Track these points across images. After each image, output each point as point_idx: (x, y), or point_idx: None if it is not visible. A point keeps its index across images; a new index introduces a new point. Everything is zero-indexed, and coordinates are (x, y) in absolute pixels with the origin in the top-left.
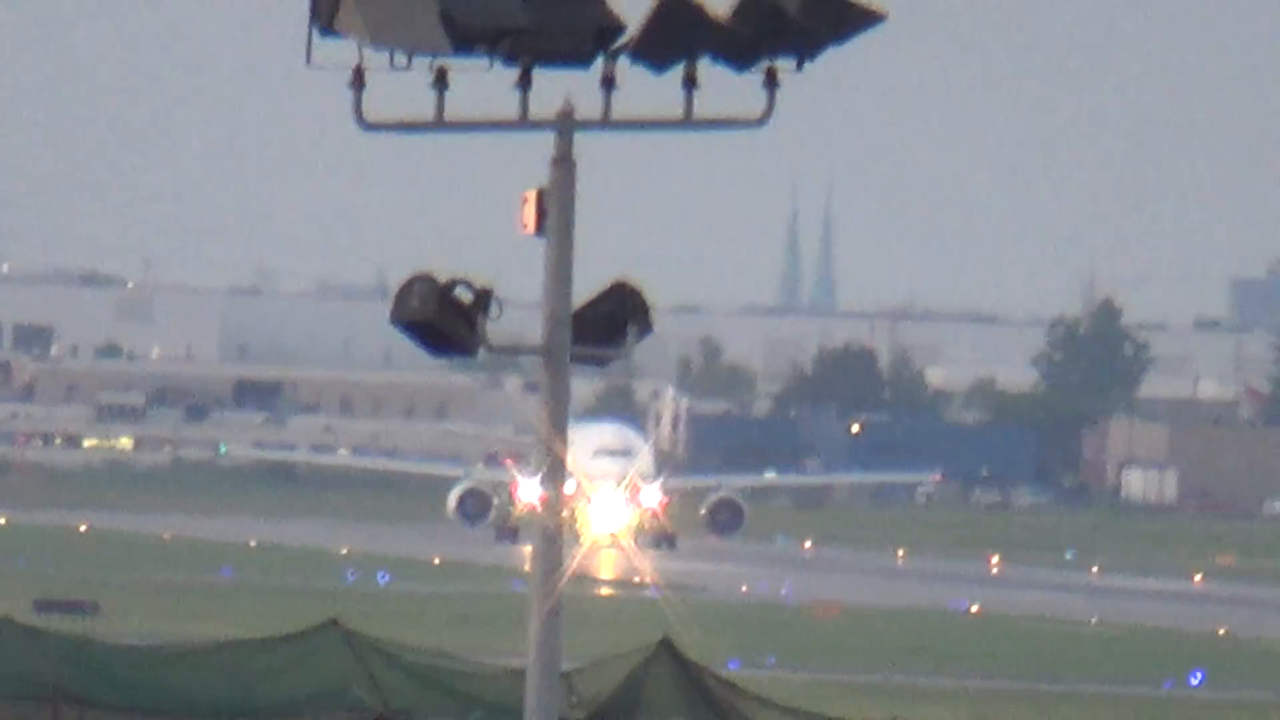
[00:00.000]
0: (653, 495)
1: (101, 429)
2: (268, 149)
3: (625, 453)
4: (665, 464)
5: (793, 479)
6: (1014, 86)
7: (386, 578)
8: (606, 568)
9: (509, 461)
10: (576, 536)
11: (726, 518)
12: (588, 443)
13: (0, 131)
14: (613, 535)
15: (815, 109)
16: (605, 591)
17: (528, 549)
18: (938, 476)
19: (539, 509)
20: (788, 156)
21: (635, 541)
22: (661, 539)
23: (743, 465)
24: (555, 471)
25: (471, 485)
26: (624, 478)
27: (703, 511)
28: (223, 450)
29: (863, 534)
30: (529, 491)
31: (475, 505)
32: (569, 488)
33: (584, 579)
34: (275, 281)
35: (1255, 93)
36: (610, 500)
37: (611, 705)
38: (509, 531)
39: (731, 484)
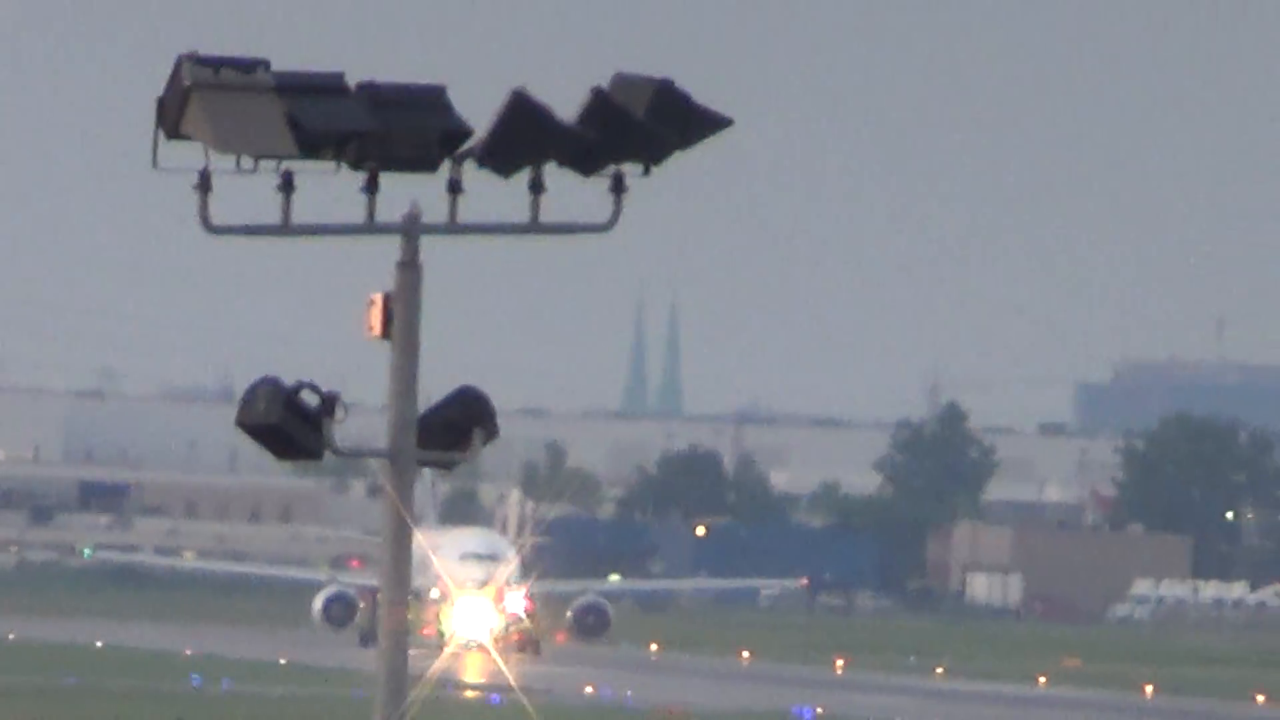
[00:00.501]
0: (517, 600)
1: None
2: (113, 251)
3: (491, 557)
4: (527, 569)
5: (664, 582)
6: (858, 189)
7: (227, 683)
8: (470, 672)
9: (355, 564)
10: (441, 640)
11: (592, 621)
12: (454, 546)
13: None
14: (477, 640)
15: (661, 213)
16: (466, 694)
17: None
18: (803, 581)
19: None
20: (634, 261)
21: (499, 646)
22: (526, 643)
23: (588, 569)
24: (400, 575)
25: (337, 590)
26: (489, 582)
27: (568, 615)
28: (87, 553)
29: (707, 637)
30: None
31: (340, 610)
32: (433, 593)
33: (447, 682)
34: (120, 384)
35: (1098, 195)
36: (475, 604)
37: None
38: (374, 635)
39: (596, 588)
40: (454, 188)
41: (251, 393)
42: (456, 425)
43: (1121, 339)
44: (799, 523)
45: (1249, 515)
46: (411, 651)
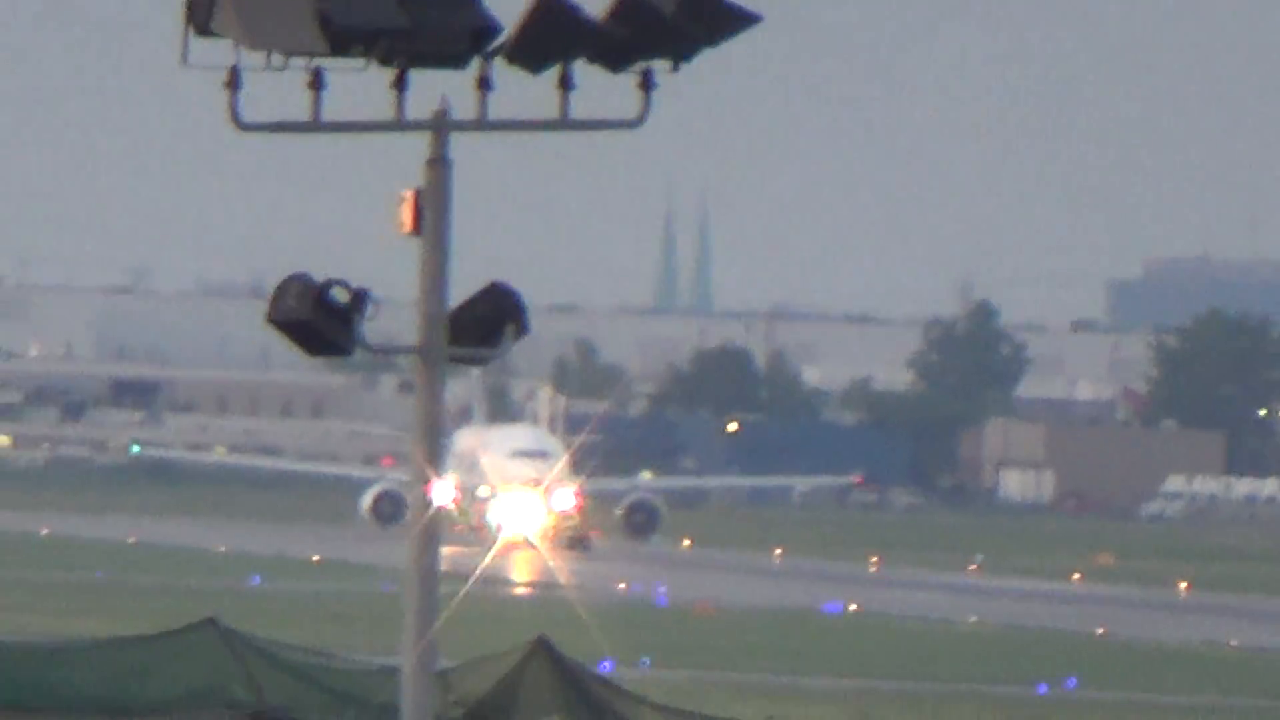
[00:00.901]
0: (567, 497)
1: None
2: (145, 149)
3: (541, 454)
4: (580, 466)
5: (698, 480)
6: (891, 86)
7: (258, 579)
8: (519, 569)
9: (388, 461)
10: (489, 538)
11: (642, 520)
12: (504, 444)
13: None
14: (526, 538)
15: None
16: (502, 591)
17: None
18: (857, 479)
19: (453, 510)
20: (664, 157)
21: (548, 544)
22: (575, 541)
23: (618, 466)
24: (428, 470)
25: (386, 487)
26: (539, 479)
27: (618, 513)
28: (135, 450)
29: (740, 534)
30: (442, 493)
31: (389, 507)
32: (483, 490)
33: (495, 580)
34: (152, 281)
35: (1130, 94)
36: (524, 502)
37: (488, 704)
38: None
39: (648, 486)
40: (483, 84)
41: (282, 289)
42: (487, 321)
43: (1153, 235)
44: (830, 419)
45: None
46: (460, 549)
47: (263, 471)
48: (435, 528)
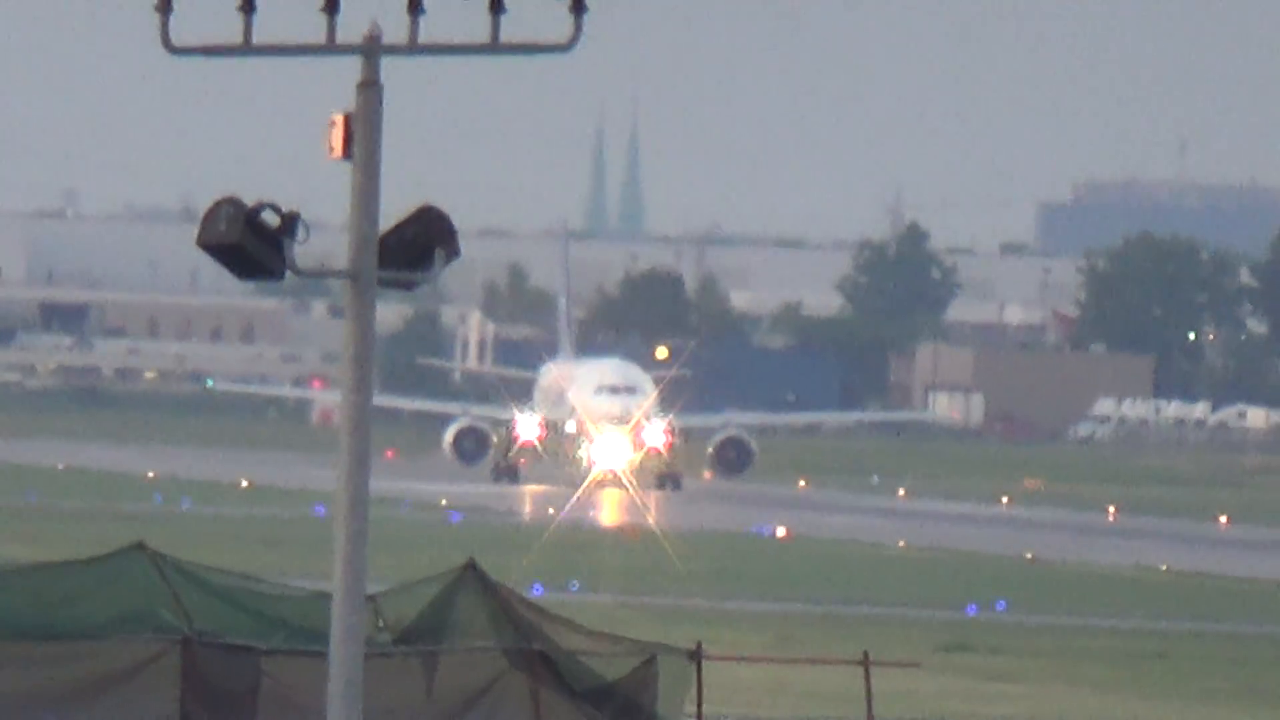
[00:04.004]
0: (656, 433)
1: None
2: (74, 72)
3: (629, 389)
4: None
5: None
6: (821, 8)
7: (187, 503)
8: (608, 507)
9: (318, 384)
10: (579, 475)
11: (734, 456)
12: (591, 379)
13: None
14: (614, 473)
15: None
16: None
17: (526, 488)
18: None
19: (537, 446)
20: (594, 82)
21: (638, 481)
22: (666, 478)
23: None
24: (365, 389)
25: (469, 424)
26: (627, 416)
27: (709, 451)
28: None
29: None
30: (528, 429)
31: (472, 444)
32: (569, 426)
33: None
34: (81, 204)
35: (1059, 17)
36: (613, 438)
37: (418, 627)
38: (508, 470)
39: (738, 422)
40: (414, 8)
41: (213, 212)
42: (417, 244)
43: (1083, 159)
44: (760, 344)
45: (1210, 335)
46: (551, 487)
47: (236, 397)
48: (365, 452)
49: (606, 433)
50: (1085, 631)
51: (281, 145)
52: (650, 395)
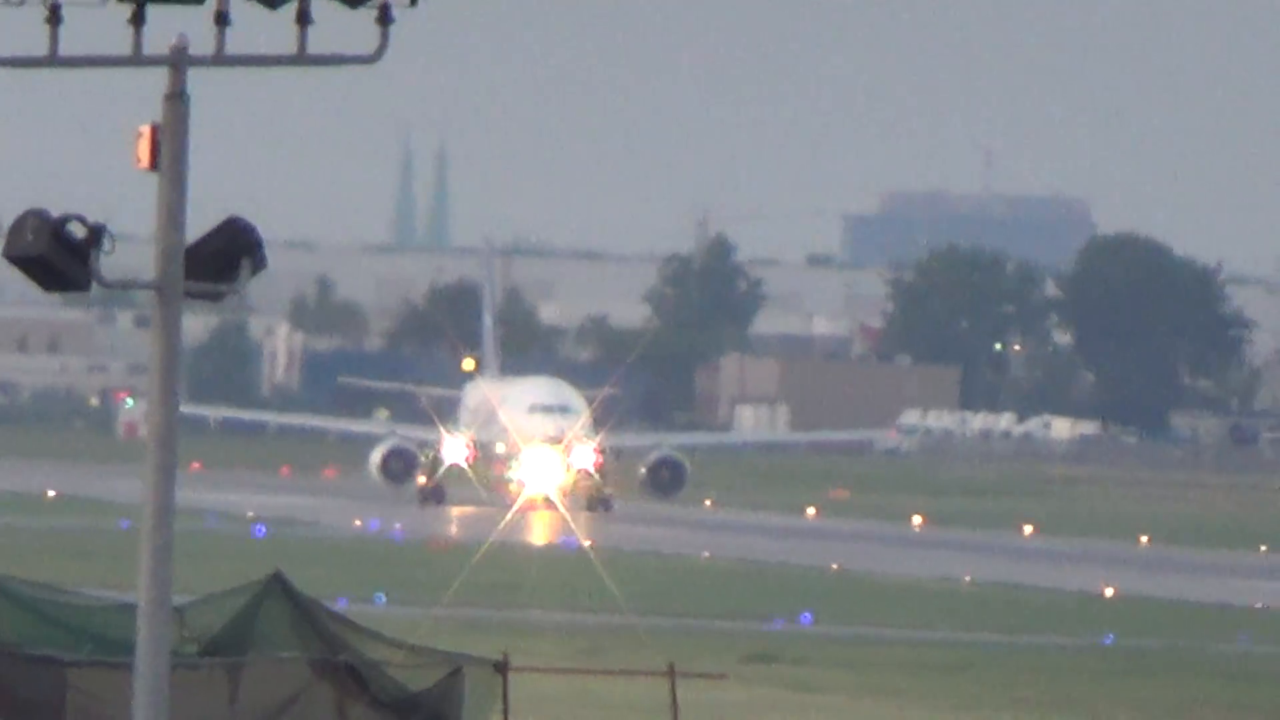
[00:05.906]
0: (587, 455)
1: None
2: None
3: (561, 409)
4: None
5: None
6: (627, 22)
7: None
8: (538, 529)
9: (122, 395)
10: (509, 497)
11: (667, 476)
12: (522, 398)
13: None
14: (545, 496)
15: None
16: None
17: (453, 509)
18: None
19: (464, 467)
20: (402, 94)
21: (568, 503)
22: (596, 501)
23: (354, 404)
24: (168, 408)
25: (396, 444)
26: (561, 435)
27: (642, 471)
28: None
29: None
30: (455, 450)
31: (399, 465)
32: (499, 447)
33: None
34: None
35: (866, 30)
36: (544, 459)
37: (223, 638)
38: (434, 490)
39: (670, 442)
40: (221, 20)
41: (19, 224)
42: (224, 256)
43: (889, 170)
44: (566, 356)
45: (1016, 347)
46: (480, 509)
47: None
48: (171, 463)
49: (539, 453)
50: (892, 642)
51: (89, 157)
52: (583, 414)
